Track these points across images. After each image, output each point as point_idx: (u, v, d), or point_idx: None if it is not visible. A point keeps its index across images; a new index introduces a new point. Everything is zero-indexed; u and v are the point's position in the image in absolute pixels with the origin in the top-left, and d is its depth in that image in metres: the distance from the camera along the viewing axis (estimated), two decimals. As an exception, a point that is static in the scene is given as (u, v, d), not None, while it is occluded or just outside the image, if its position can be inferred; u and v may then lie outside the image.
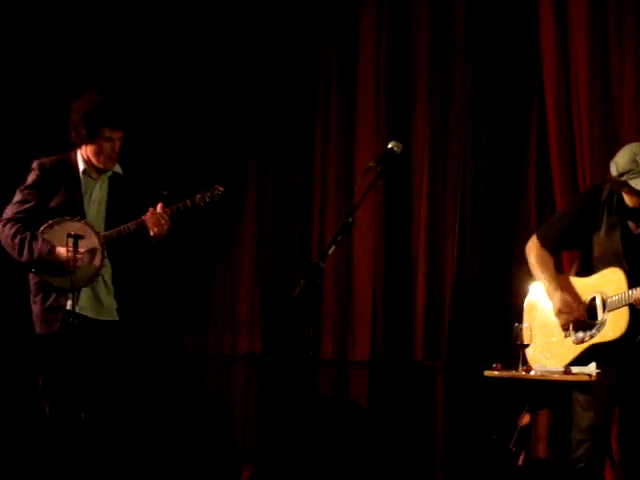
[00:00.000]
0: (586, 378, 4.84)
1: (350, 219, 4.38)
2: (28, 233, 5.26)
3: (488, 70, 6.64)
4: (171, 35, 7.25)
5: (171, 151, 7.16)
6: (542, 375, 4.94)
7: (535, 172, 6.51)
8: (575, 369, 4.89)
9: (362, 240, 6.92)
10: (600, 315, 4.96)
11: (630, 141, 5.87)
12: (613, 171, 4.90)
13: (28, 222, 5.30)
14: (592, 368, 4.87)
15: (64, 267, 5.16)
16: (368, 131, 6.97)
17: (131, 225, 5.27)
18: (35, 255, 5.21)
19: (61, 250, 5.18)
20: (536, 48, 6.45)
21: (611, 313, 4.91)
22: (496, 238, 6.59)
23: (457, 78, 6.73)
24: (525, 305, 5.29)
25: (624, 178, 4.86)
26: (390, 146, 4.57)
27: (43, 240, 5.23)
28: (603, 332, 4.93)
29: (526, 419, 5.29)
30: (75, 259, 5.09)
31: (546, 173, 6.42)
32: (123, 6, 7.24)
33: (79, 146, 5.40)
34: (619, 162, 4.89)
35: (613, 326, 4.89)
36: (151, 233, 5.25)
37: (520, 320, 5.22)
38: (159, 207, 5.26)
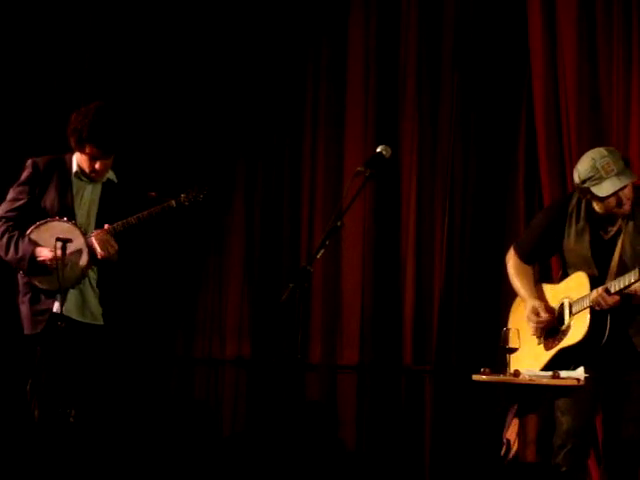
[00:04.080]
0: (574, 383, 4.83)
1: (339, 223, 4.38)
2: (16, 232, 5.29)
3: (477, 75, 6.66)
4: (163, 40, 7.25)
5: (161, 156, 7.15)
6: (530, 379, 4.94)
7: (524, 178, 6.53)
8: (563, 373, 4.87)
9: (351, 244, 6.92)
10: (567, 319, 4.99)
11: (618, 145, 5.93)
12: (575, 178, 4.91)
13: (20, 220, 5.32)
14: (580, 372, 4.87)
15: (47, 268, 5.18)
16: (357, 135, 6.98)
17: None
18: (19, 254, 5.23)
19: (42, 250, 5.20)
20: (525, 56, 6.47)
21: (575, 316, 4.93)
22: (484, 243, 6.60)
23: (446, 81, 6.75)
24: (510, 312, 5.32)
25: (586, 185, 4.85)
26: (379, 150, 4.57)
27: (29, 240, 5.25)
28: (569, 336, 4.94)
29: (512, 432, 5.29)
30: (63, 262, 5.11)
31: (535, 180, 6.43)
32: (118, 14, 7.25)
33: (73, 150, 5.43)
34: (580, 169, 4.88)
35: (576, 329, 4.91)
36: (98, 256, 5.26)
37: (506, 324, 5.25)
38: (106, 227, 5.26)
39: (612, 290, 4.79)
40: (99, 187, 5.42)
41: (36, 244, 5.25)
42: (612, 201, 4.85)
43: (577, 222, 5.00)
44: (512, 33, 6.54)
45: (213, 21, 7.27)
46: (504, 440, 5.61)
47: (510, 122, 6.59)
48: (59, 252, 5.12)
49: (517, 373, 4.94)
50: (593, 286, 4.88)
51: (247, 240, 7.25)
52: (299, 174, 7.17)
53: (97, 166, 5.31)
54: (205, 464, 6.47)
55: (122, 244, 5.30)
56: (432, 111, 6.80)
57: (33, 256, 5.22)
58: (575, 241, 4.99)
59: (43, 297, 5.27)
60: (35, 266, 5.23)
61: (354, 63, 7.03)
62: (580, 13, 6.25)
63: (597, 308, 4.83)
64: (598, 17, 6.21)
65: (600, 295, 4.80)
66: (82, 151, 5.31)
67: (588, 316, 4.86)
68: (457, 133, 6.69)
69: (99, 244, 5.25)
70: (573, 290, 4.97)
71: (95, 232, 5.27)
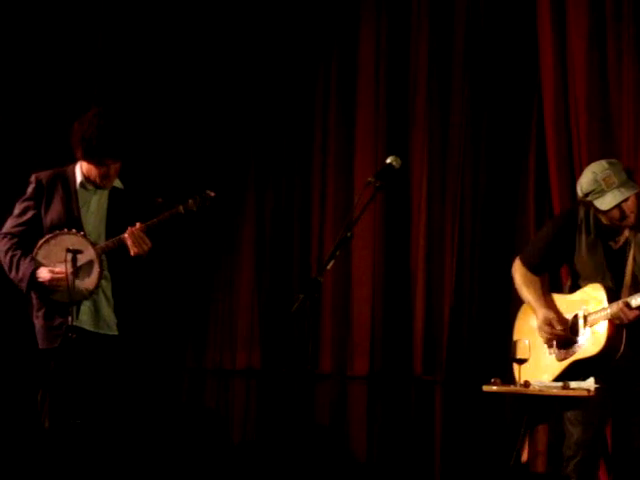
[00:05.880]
0: (584, 393, 4.82)
1: (349, 234, 4.39)
2: (19, 251, 5.25)
3: (487, 83, 6.66)
4: (172, 47, 7.28)
5: (172, 165, 7.17)
6: (540, 390, 4.93)
7: (534, 186, 6.52)
8: (573, 384, 4.86)
9: (361, 255, 6.92)
10: (582, 331, 4.98)
11: (629, 153, 5.93)
12: (578, 192, 4.93)
13: (26, 235, 5.30)
14: (591, 383, 4.85)
15: (48, 288, 5.19)
16: (367, 145, 6.99)
17: (116, 241, 5.27)
18: (20, 275, 5.22)
19: (42, 271, 5.20)
20: (535, 60, 6.47)
21: (591, 329, 4.93)
22: (495, 252, 6.59)
23: (456, 92, 6.75)
24: (516, 322, 5.32)
25: (589, 198, 4.87)
26: (389, 161, 4.58)
27: (30, 260, 5.23)
28: (584, 348, 4.94)
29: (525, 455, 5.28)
30: (74, 273, 5.11)
31: (545, 187, 6.43)
32: (125, 17, 7.27)
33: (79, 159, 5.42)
34: (582, 183, 4.91)
35: (593, 342, 4.91)
36: (131, 253, 5.24)
37: (512, 333, 5.25)
38: (137, 225, 5.26)
39: (633, 305, 4.79)
40: (106, 195, 5.39)
41: (37, 264, 5.24)
42: (615, 213, 4.86)
43: (588, 233, 5.00)
44: (523, 44, 6.54)
45: (227, 35, 7.28)
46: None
47: (520, 132, 6.59)
48: (69, 263, 5.11)
49: (527, 384, 4.93)
50: (609, 298, 4.88)
51: (257, 251, 7.25)
52: (309, 184, 7.18)
53: (107, 173, 5.31)
54: (216, 474, 6.48)
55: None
56: (443, 122, 6.80)
57: (32, 278, 5.20)
58: (588, 253, 4.99)
59: (58, 311, 5.25)
60: (34, 287, 5.23)
61: (364, 72, 7.04)
62: (590, 17, 6.25)
63: (617, 322, 4.83)
64: (608, 29, 6.21)
65: (621, 309, 4.80)
66: (91, 159, 5.28)
67: (606, 329, 4.86)
68: (467, 144, 6.68)
69: (132, 241, 5.24)
70: (589, 302, 4.97)
71: (128, 229, 5.24)
